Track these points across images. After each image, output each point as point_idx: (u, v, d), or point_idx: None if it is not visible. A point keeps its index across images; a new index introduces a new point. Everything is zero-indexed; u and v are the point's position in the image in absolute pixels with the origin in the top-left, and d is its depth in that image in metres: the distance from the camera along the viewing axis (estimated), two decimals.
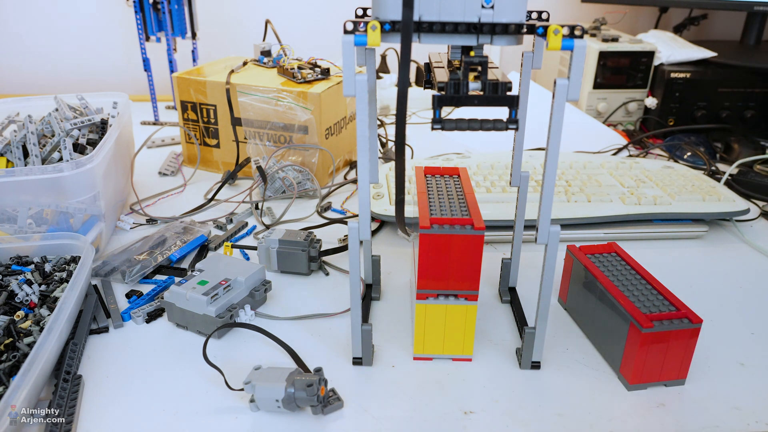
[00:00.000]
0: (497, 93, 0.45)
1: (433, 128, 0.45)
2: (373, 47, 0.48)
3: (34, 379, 0.48)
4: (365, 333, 0.55)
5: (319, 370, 0.51)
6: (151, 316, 0.63)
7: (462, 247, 0.51)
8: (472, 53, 0.47)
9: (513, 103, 0.45)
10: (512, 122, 0.45)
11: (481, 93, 0.45)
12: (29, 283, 0.63)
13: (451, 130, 0.45)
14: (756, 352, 0.59)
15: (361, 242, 0.52)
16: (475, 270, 0.52)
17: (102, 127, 0.81)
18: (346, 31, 0.43)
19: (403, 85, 0.41)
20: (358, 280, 0.52)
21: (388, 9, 0.44)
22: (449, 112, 1.24)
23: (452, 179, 0.61)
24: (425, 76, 0.53)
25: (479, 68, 0.45)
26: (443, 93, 0.45)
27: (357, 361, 0.57)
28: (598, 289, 0.58)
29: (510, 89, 0.45)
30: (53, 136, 0.77)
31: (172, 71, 1.17)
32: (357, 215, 0.85)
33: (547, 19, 0.51)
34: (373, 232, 0.81)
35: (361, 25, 0.43)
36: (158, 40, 1.17)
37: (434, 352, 0.57)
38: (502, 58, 1.54)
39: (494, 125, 0.44)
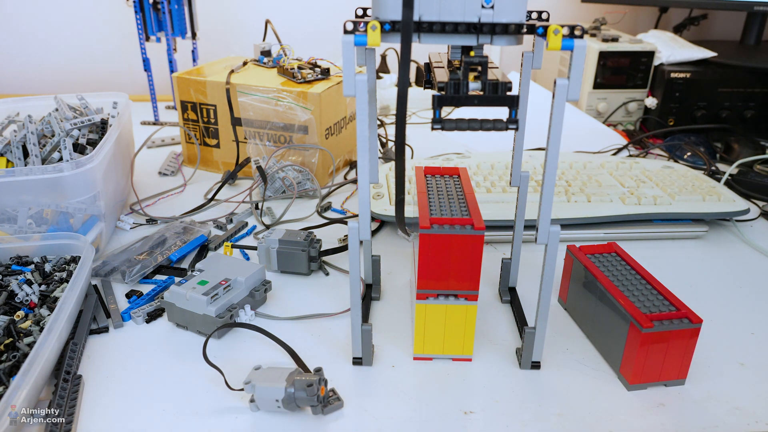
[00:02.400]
0: (497, 93, 0.45)
1: (433, 128, 0.45)
2: (373, 47, 0.48)
3: (34, 379, 0.48)
4: (365, 333, 0.55)
5: (319, 370, 0.51)
6: (151, 316, 0.63)
7: (462, 247, 0.51)
8: (472, 53, 0.47)
9: (513, 103, 0.45)
10: (512, 122, 0.45)
11: (481, 93, 0.45)
12: (29, 283, 0.63)
13: (451, 130, 0.45)
14: (756, 352, 0.59)
15: (361, 242, 0.52)
16: (475, 270, 0.52)
17: (102, 127, 0.81)
18: (346, 31, 0.43)
19: (403, 85, 0.41)
20: (358, 280, 0.52)
21: (388, 9, 0.44)
22: (449, 112, 1.24)
23: (452, 179, 0.61)
24: (425, 76, 0.53)
25: (479, 68, 0.45)
26: (443, 93, 0.45)
27: (357, 361, 0.57)
28: (598, 289, 0.58)
29: (510, 89, 0.45)
30: (53, 136, 0.77)
31: (172, 71, 1.17)
32: (357, 215, 0.85)
33: (547, 19, 0.51)
34: (373, 232, 0.81)
35: (361, 25, 0.43)
36: (158, 40, 1.17)
37: (434, 352, 0.57)
38: (502, 58, 1.54)
39: (494, 125, 0.44)
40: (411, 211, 0.77)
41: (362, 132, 0.46)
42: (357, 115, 0.45)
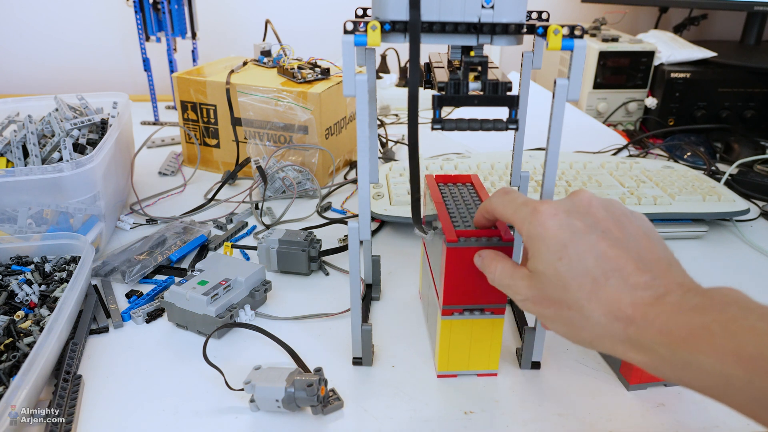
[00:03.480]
0: (497, 93, 0.45)
1: (433, 128, 0.45)
2: (373, 47, 0.48)
3: (34, 379, 0.48)
4: (365, 333, 0.55)
5: (319, 370, 0.51)
6: (151, 316, 0.63)
7: None
8: (472, 53, 0.47)
9: (513, 103, 0.45)
10: (512, 122, 0.45)
11: (481, 93, 0.45)
12: (29, 283, 0.63)
13: (451, 130, 0.45)
14: None
15: (361, 242, 0.51)
16: None
17: (102, 127, 0.81)
18: (346, 31, 0.43)
19: (413, 86, 0.41)
20: (358, 280, 0.52)
21: (388, 9, 0.44)
22: (449, 113, 1.24)
23: (466, 187, 0.60)
24: (425, 76, 0.53)
25: (479, 68, 0.45)
26: (443, 93, 0.45)
27: (357, 361, 0.57)
28: None
29: (510, 89, 0.45)
30: (53, 136, 0.77)
31: (172, 71, 1.17)
32: (357, 215, 0.85)
33: (547, 19, 0.51)
34: (373, 232, 0.81)
35: (361, 25, 0.43)
36: (158, 40, 1.17)
37: (459, 369, 0.55)
38: (502, 58, 1.54)
39: (494, 125, 0.44)
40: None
41: (362, 132, 0.46)
42: (357, 115, 0.45)
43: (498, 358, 0.54)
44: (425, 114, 1.31)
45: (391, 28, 0.44)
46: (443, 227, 0.50)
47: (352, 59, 0.44)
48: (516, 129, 0.46)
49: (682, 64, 1.18)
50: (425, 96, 1.34)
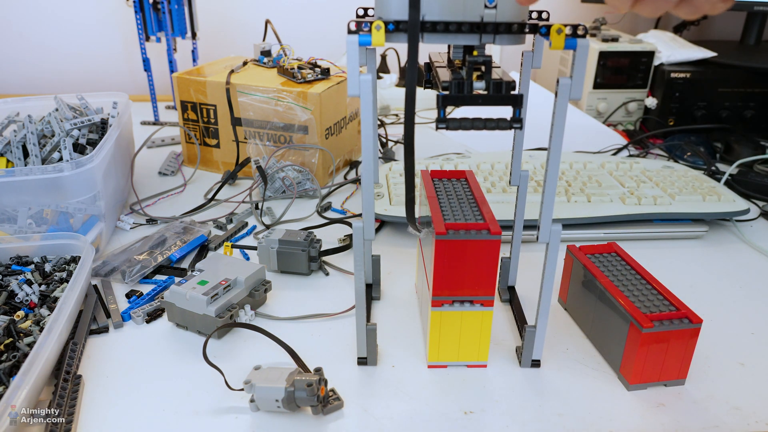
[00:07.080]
0: (501, 92, 0.45)
1: (437, 128, 0.45)
2: (374, 47, 0.48)
3: (34, 379, 0.48)
4: (370, 332, 0.55)
5: (319, 370, 0.51)
6: (151, 316, 0.63)
7: (478, 252, 0.50)
8: (475, 53, 0.47)
9: (517, 102, 0.45)
10: (516, 121, 0.45)
11: (486, 92, 0.45)
12: (29, 283, 0.63)
13: (456, 129, 0.44)
14: (756, 352, 0.59)
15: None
16: (491, 275, 0.51)
17: (102, 127, 0.81)
18: (350, 31, 0.43)
19: (410, 85, 0.41)
20: (362, 279, 0.52)
21: (391, 9, 0.44)
22: (450, 113, 1.24)
23: (460, 182, 0.61)
24: (425, 76, 0.53)
25: (482, 68, 0.45)
26: (447, 92, 0.45)
27: (362, 361, 0.56)
28: (598, 289, 0.58)
29: (514, 88, 0.45)
30: (53, 136, 0.77)
31: (172, 71, 1.17)
32: (357, 215, 0.85)
33: (547, 19, 0.51)
34: None
35: (364, 25, 0.43)
36: (158, 40, 1.16)
37: (449, 360, 0.56)
38: (502, 58, 1.54)
39: (498, 124, 0.44)
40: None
41: (367, 132, 0.46)
42: (362, 115, 0.45)
43: (487, 350, 0.56)
44: (426, 114, 1.31)
45: (394, 28, 0.44)
46: (433, 220, 0.51)
47: (356, 59, 0.43)
48: (520, 128, 0.46)
49: (682, 64, 1.18)
50: (425, 96, 1.34)
